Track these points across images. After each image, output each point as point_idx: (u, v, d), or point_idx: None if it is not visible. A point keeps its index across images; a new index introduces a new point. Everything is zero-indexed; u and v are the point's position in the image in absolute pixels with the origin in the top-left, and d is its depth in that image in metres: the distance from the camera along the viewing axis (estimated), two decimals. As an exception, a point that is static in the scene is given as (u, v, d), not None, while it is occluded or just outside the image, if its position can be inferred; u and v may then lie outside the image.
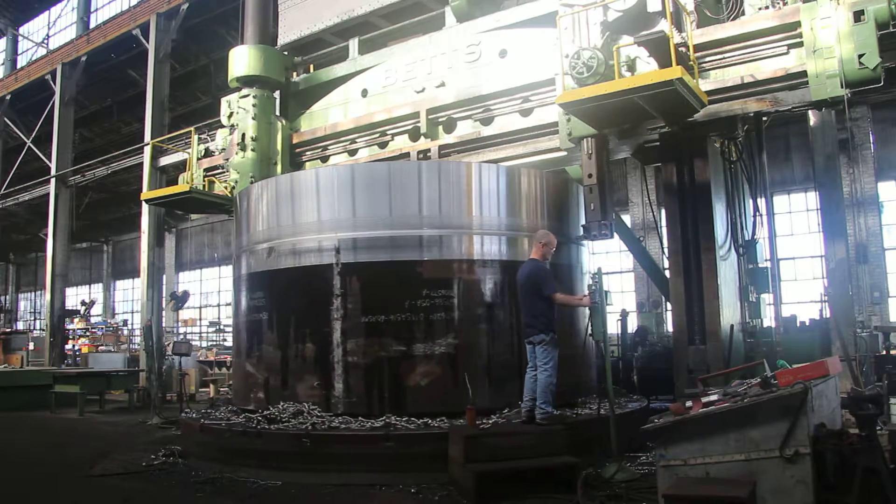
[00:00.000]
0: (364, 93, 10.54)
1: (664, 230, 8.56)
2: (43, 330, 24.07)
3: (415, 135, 9.84)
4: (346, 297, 7.70)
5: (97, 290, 35.44)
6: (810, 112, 10.36)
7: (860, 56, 6.53)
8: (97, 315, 31.53)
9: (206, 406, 10.18)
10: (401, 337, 7.53)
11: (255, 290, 8.59)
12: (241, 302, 9.02)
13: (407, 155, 9.83)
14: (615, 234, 8.25)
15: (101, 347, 24.03)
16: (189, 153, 12.50)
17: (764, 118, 9.39)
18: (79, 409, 13.08)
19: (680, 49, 7.17)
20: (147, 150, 17.52)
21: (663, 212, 9.48)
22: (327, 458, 6.75)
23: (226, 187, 11.10)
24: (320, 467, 6.71)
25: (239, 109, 11.27)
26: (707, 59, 7.57)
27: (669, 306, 9.88)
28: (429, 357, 7.51)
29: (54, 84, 21.88)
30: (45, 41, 27.11)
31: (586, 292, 7.37)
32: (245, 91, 11.28)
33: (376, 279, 7.73)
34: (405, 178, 8.01)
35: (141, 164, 18.57)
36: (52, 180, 21.57)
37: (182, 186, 11.31)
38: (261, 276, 8.57)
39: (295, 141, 11.30)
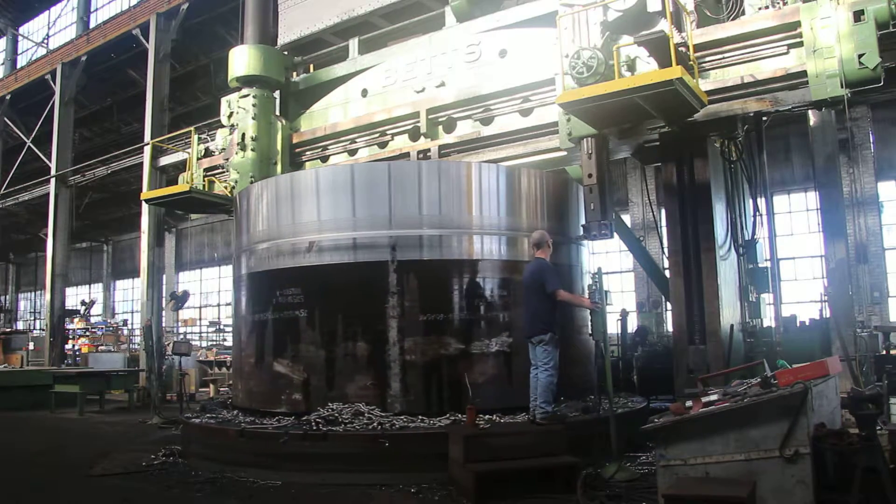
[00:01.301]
0: (364, 93, 10.54)
1: (664, 230, 8.56)
2: (43, 330, 24.06)
3: (415, 135, 9.84)
4: (403, 295, 7.65)
5: (97, 290, 35.42)
6: (810, 112, 10.35)
7: (860, 56, 6.53)
8: (97, 315, 31.51)
9: (200, 409, 9.47)
10: (459, 335, 7.67)
11: (287, 287, 8.12)
12: (242, 300, 9.01)
13: (407, 155, 9.83)
14: (615, 234, 8.25)
15: (101, 347, 24.01)
16: (189, 153, 12.50)
17: (764, 118, 9.39)
18: (79, 409, 13.08)
19: (680, 49, 7.17)
20: (147, 150, 17.51)
21: (663, 212, 9.48)
22: (406, 457, 6.59)
23: (226, 187, 11.10)
24: (397, 468, 6.55)
25: (239, 109, 11.27)
26: (707, 59, 7.56)
27: (669, 306, 9.88)
28: (486, 355, 7.70)
29: (54, 84, 21.88)
30: (45, 41, 27.08)
31: (586, 292, 7.39)
32: (245, 91, 11.28)
33: (433, 277, 7.78)
34: (456, 175, 8.29)
35: (141, 164, 18.57)
36: (52, 180, 21.57)
37: (182, 186, 11.31)
38: (297, 272, 8.13)
39: (295, 141, 11.30)
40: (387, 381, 7.55)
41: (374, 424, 7.03)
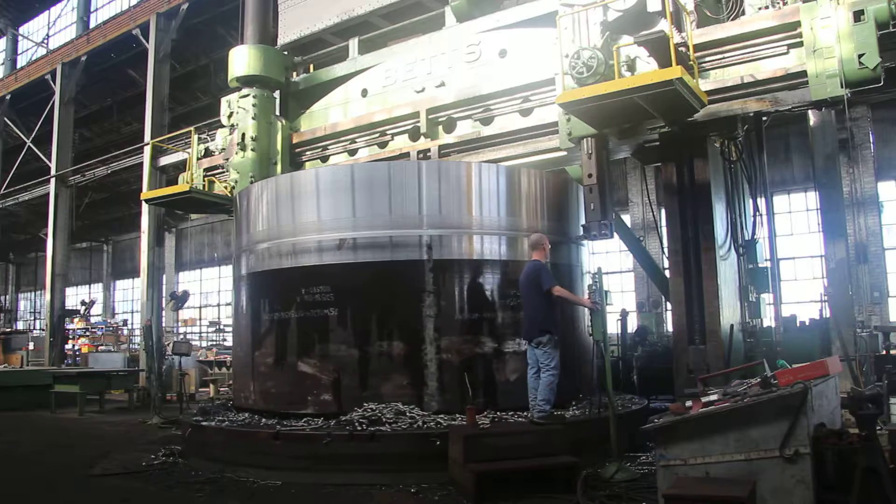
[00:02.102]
0: (364, 93, 10.54)
1: (664, 230, 8.56)
2: (43, 330, 24.07)
3: (415, 135, 9.84)
4: (439, 295, 7.68)
5: (97, 290, 35.42)
6: (810, 112, 10.36)
7: (860, 56, 6.53)
8: (97, 315, 31.49)
9: (200, 412, 8.98)
10: (493, 334, 7.81)
11: (314, 285, 7.93)
12: (249, 300, 8.86)
13: (407, 155, 9.83)
14: (615, 234, 8.25)
15: (101, 347, 23.99)
16: (189, 153, 12.50)
17: (764, 118, 9.38)
18: (79, 408, 13.08)
19: (680, 49, 7.17)
20: (147, 150, 17.52)
21: (663, 212, 9.48)
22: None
23: (226, 187, 11.10)
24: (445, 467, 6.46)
25: (239, 109, 11.27)
26: (707, 59, 7.56)
27: (669, 306, 9.88)
28: (517, 354, 7.76)
29: (54, 84, 21.89)
30: (45, 41, 27.09)
31: (586, 292, 7.40)
32: (245, 91, 11.29)
33: (468, 277, 7.82)
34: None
35: (141, 164, 18.58)
36: (52, 180, 21.57)
37: (182, 186, 11.30)
38: (327, 270, 7.97)
39: (295, 141, 11.30)
40: (423, 380, 7.54)
41: (419, 423, 7.02)
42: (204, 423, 8.03)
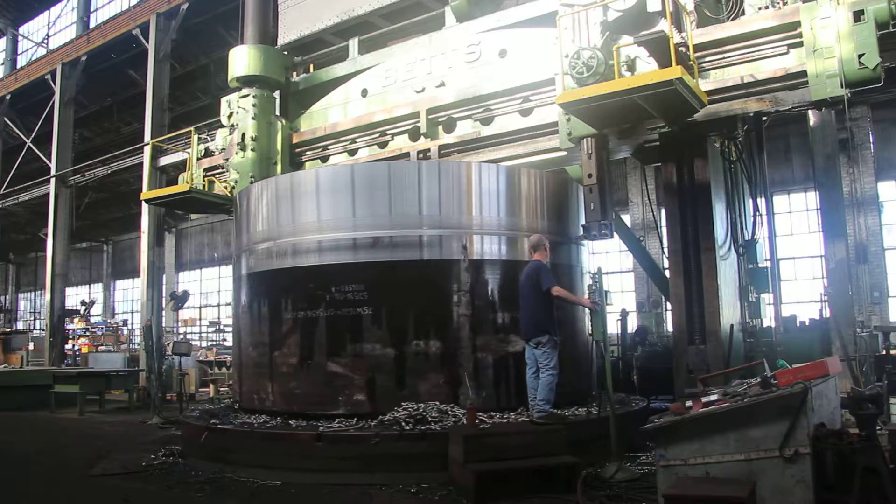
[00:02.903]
0: (364, 93, 10.54)
1: (664, 230, 8.56)
2: (43, 330, 24.07)
3: (415, 135, 9.84)
4: (474, 294, 7.72)
5: (97, 290, 35.42)
6: (810, 112, 10.37)
7: (860, 56, 6.53)
8: (97, 315, 31.50)
9: (206, 414, 8.63)
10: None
11: (346, 283, 7.80)
12: (251, 299, 8.74)
13: (407, 155, 9.83)
14: (615, 234, 8.25)
15: (101, 347, 24.01)
16: (189, 153, 12.50)
17: (764, 118, 9.39)
18: (79, 408, 13.09)
19: (680, 49, 7.17)
20: (147, 150, 17.51)
21: (663, 212, 9.48)
22: (509, 450, 6.44)
23: (226, 187, 11.10)
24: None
25: (239, 109, 11.27)
26: (707, 59, 7.56)
27: (669, 306, 9.88)
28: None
29: (54, 84, 21.88)
30: (45, 41, 27.09)
31: (586, 292, 7.41)
32: (245, 91, 11.29)
33: (501, 277, 7.89)
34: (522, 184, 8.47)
35: (141, 164, 18.57)
36: (52, 180, 21.57)
37: (182, 186, 11.31)
38: (362, 268, 7.86)
39: (295, 141, 11.30)
40: (459, 379, 7.54)
41: (463, 421, 6.95)
42: (226, 427, 7.73)
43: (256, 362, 8.56)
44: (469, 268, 7.82)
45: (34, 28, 29.28)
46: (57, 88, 21.69)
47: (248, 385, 8.74)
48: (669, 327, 14.33)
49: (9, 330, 28.53)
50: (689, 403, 5.09)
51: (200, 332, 26.94)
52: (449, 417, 7.09)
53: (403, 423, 6.92)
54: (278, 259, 8.45)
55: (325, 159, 10.99)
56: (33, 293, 37.38)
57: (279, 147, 11.17)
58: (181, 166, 15.31)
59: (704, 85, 7.35)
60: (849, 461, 4.38)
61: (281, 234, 8.47)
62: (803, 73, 6.91)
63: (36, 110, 23.04)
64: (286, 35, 11.90)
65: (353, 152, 10.64)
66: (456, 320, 7.74)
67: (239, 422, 8.00)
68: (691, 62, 7.16)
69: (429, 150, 9.67)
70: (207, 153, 12.33)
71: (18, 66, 28.10)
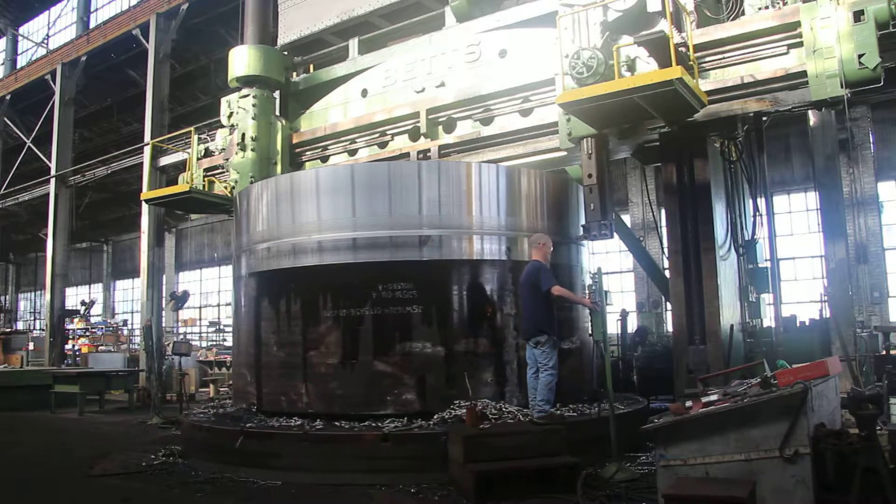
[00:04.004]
0: (364, 93, 10.54)
1: (664, 230, 8.57)
2: (43, 330, 24.06)
3: (415, 135, 9.84)
4: (516, 294, 7.76)
5: (97, 290, 35.41)
6: (810, 112, 10.36)
7: (860, 56, 6.53)
8: (97, 315, 31.50)
9: (228, 419, 8.17)
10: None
11: (394, 282, 7.72)
12: (261, 297, 8.50)
13: (407, 155, 9.83)
14: (615, 234, 8.27)
15: (101, 347, 24.02)
16: (189, 153, 12.50)
17: (764, 118, 9.38)
18: (79, 409, 13.09)
19: (680, 49, 7.17)
20: (147, 150, 17.51)
21: (663, 212, 9.48)
22: (579, 444, 6.57)
23: (226, 187, 11.10)
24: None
25: (239, 109, 11.27)
26: (707, 59, 7.57)
27: (669, 306, 9.88)
28: (570, 352, 8.26)
29: (54, 84, 21.88)
30: (45, 41, 27.08)
31: (586, 292, 7.42)
32: (245, 91, 11.28)
33: None
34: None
35: (141, 164, 18.57)
36: (52, 180, 21.57)
37: (182, 186, 11.31)
38: (412, 266, 7.83)
39: (295, 141, 11.30)
40: (505, 377, 7.71)
41: (519, 417, 7.07)
42: (270, 430, 7.40)
43: (285, 363, 8.17)
44: (512, 268, 7.94)
45: (34, 28, 29.29)
46: (57, 88, 21.69)
47: (273, 387, 8.31)
48: (669, 327, 14.32)
49: (9, 330, 28.51)
50: (689, 403, 5.09)
51: (200, 332, 26.95)
52: (505, 414, 7.16)
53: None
54: (315, 255, 8.17)
55: (325, 159, 10.99)
56: (33, 293, 37.39)
57: (279, 147, 11.17)
58: (181, 166, 15.30)
59: (704, 85, 7.35)
60: (849, 461, 4.38)
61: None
62: (803, 73, 6.92)
63: (36, 110, 23.04)
64: (286, 35, 11.90)
65: (353, 152, 10.64)
66: (500, 319, 7.88)
67: (278, 424, 7.63)
68: (691, 62, 7.16)
69: (429, 150, 9.67)
70: (207, 153, 12.32)
71: (18, 66, 28.11)
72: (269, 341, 8.42)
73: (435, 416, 7.23)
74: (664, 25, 7.31)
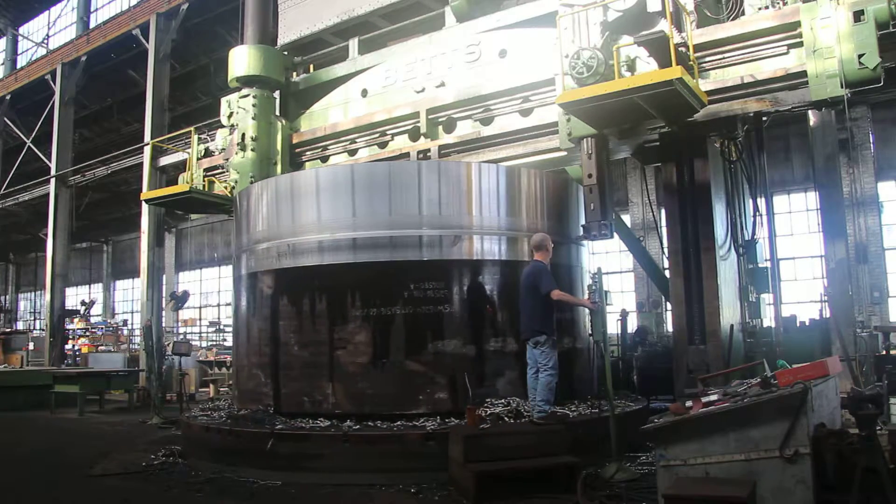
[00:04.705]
0: (364, 93, 10.54)
1: (664, 230, 8.57)
2: (43, 330, 24.06)
3: (415, 135, 9.84)
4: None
5: (97, 290, 35.42)
6: (810, 112, 10.35)
7: (860, 56, 6.53)
8: (97, 315, 31.50)
9: (255, 420, 7.83)
10: (572, 332, 8.53)
11: (424, 281, 7.72)
12: (278, 296, 8.33)
13: (408, 155, 9.83)
14: (615, 234, 8.27)
15: (101, 347, 24.02)
16: (189, 153, 12.50)
17: (764, 118, 9.38)
18: (79, 409, 13.09)
19: (680, 49, 7.17)
20: (147, 150, 17.51)
21: (663, 212, 9.48)
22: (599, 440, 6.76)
23: (226, 187, 11.10)
24: (582, 451, 6.45)
25: (239, 109, 11.27)
26: (707, 59, 7.57)
27: (669, 306, 9.88)
28: (582, 350, 8.71)
29: (54, 84, 21.88)
30: (45, 41, 27.07)
31: (586, 292, 7.42)
32: (245, 91, 11.28)
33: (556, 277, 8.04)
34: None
35: (141, 164, 18.57)
36: (52, 180, 21.57)
37: (182, 186, 11.31)
38: (444, 265, 7.84)
39: (295, 141, 11.29)
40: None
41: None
42: (303, 431, 7.23)
43: (308, 362, 7.97)
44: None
45: (34, 28, 29.28)
46: (57, 88, 21.69)
47: (294, 387, 8.07)
48: (669, 327, 14.32)
49: (9, 330, 28.54)
50: (689, 403, 5.09)
51: (200, 332, 26.94)
52: (567, 409, 7.48)
53: (506, 418, 6.92)
54: (350, 252, 8.03)
55: (325, 159, 10.99)
56: (33, 293, 37.39)
57: (279, 147, 11.17)
58: (181, 166, 15.30)
59: (704, 85, 7.35)
60: (849, 461, 4.38)
61: (351, 225, 8.05)
62: (803, 73, 6.92)
63: (36, 110, 23.03)
64: (286, 35, 11.90)
65: (353, 152, 10.64)
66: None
67: (309, 426, 7.45)
68: (691, 62, 7.16)
69: (429, 150, 9.67)
70: (207, 153, 12.33)
71: (18, 66, 28.11)
72: (289, 341, 8.18)
73: (450, 416, 7.27)
74: (664, 25, 7.30)
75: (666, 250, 8.41)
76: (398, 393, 7.57)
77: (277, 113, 11.50)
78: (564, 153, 8.59)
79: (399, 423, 7.22)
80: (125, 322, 30.20)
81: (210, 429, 7.85)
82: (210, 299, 30.19)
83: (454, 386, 7.51)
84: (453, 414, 7.29)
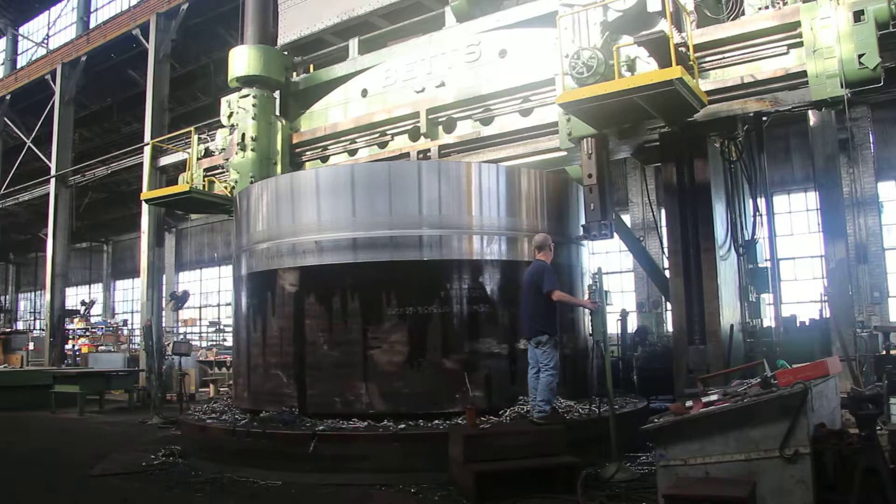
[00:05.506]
0: (364, 93, 10.54)
1: (664, 230, 8.57)
2: (43, 330, 24.06)
3: (415, 135, 9.84)
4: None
5: (97, 290, 35.40)
6: (810, 112, 10.35)
7: (860, 56, 6.53)
8: (97, 315, 31.49)
9: (284, 421, 7.63)
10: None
11: (470, 280, 7.86)
12: (302, 296, 8.16)
13: (407, 155, 9.83)
14: (615, 234, 8.26)
15: (101, 347, 24.00)
16: (189, 153, 12.51)
17: (764, 118, 9.39)
18: (79, 409, 13.09)
19: (680, 49, 7.17)
20: (147, 150, 17.52)
21: (663, 212, 9.48)
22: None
23: (226, 187, 11.10)
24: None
25: (239, 109, 11.28)
26: (707, 59, 7.57)
27: (669, 306, 9.88)
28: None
29: (54, 84, 21.88)
30: (45, 41, 27.08)
31: (586, 293, 7.42)
32: (245, 91, 11.29)
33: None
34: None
35: (141, 164, 18.57)
36: (52, 180, 21.57)
37: (182, 186, 11.31)
38: (490, 265, 8.02)
39: (295, 141, 11.30)
40: (563, 376, 7.63)
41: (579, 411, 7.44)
42: (351, 432, 7.11)
43: (339, 362, 7.81)
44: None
45: (34, 28, 29.28)
46: (57, 88, 21.69)
47: (322, 388, 7.89)
48: (669, 327, 14.32)
49: (9, 330, 28.53)
50: (689, 403, 5.09)
51: (200, 332, 26.94)
52: (575, 409, 7.63)
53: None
54: (383, 251, 7.98)
55: (325, 159, 10.99)
56: (33, 293, 37.37)
57: (279, 147, 11.17)
58: (181, 166, 15.30)
59: (704, 85, 7.35)
60: (849, 461, 4.38)
61: (387, 224, 8.03)
62: (803, 73, 6.92)
63: (36, 110, 23.04)
64: (286, 35, 11.90)
65: (353, 152, 10.64)
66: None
67: (352, 426, 7.29)
68: (691, 62, 7.16)
69: (429, 150, 9.67)
70: (207, 153, 12.33)
71: (18, 66, 28.10)
72: (317, 340, 7.99)
73: (501, 413, 7.37)
74: (664, 25, 7.30)
75: (666, 250, 8.41)
76: (435, 391, 7.61)
77: (277, 113, 11.50)
78: (564, 153, 8.59)
79: (436, 421, 7.27)
80: (125, 322, 30.18)
81: (225, 430, 7.67)
82: (210, 299, 30.18)
83: (489, 384, 7.69)
84: (488, 412, 7.35)
